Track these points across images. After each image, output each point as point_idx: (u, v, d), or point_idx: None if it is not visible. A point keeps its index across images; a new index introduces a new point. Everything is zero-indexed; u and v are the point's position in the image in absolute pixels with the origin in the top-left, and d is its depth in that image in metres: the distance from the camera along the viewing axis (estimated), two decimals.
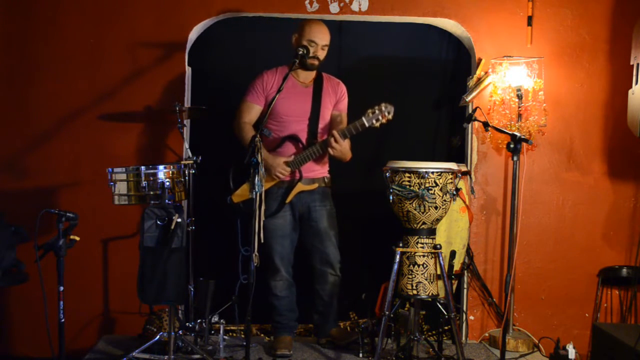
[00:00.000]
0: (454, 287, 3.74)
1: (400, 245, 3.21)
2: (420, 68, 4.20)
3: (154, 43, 3.95)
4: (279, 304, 3.64)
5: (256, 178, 2.96)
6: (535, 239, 4.05)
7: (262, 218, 3.14)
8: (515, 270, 3.80)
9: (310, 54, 3.46)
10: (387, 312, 3.18)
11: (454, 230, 3.55)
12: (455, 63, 4.21)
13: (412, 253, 3.20)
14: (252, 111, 3.59)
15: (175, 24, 3.95)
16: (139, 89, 3.94)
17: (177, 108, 3.52)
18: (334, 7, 3.99)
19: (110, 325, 3.98)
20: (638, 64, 3.66)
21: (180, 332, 3.35)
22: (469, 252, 3.88)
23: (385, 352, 3.41)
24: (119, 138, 3.95)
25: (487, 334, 4.01)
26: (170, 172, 3.32)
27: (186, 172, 3.41)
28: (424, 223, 3.18)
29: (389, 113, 3.32)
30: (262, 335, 3.95)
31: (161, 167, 3.31)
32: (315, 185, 3.57)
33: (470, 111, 3.84)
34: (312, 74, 3.61)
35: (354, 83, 3.84)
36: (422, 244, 3.19)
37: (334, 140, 3.37)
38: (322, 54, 3.51)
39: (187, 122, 3.89)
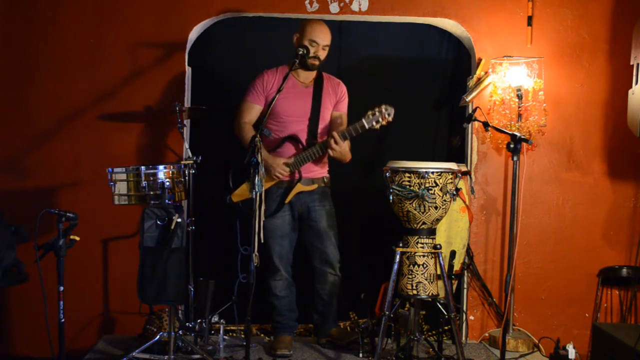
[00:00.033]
0: (454, 287, 3.74)
1: (400, 245, 3.21)
2: (420, 68, 4.19)
3: (154, 43, 3.94)
4: (278, 303, 3.64)
5: (256, 178, 2.96)
6: (535, 239, 4.05)
7: (262, 218, 3.14)
8: (515, 270, 3.80)
9: (311, 54, 3.45)
10: (387, 312, 3.18)
11: (454, 230, 3.55)
12: (455, 63, 4.20)
13: (412, 253, 3.20)
14: (252, 111, 3.59)
15: (175, 24, 3.95)
16: (139, 89, 3.94)
17: (177, 108, 3.52)
18: (334, 7, 3.99)
19: (110, 325, 3.98)
20: (638, 64, 3.66)
21: (180, 332, 3.35)
22: (469, 252, 3.88)
23: (385, 352, 3.41)
24: (119, 138, 3.95)
25: (487, 334, 4.01)
26: (170, 172, 3.32)
27: (186, 172, 3.41)
28: (424, 223, 3.18)
29: (389, 115, 3.31)
30: (262, 335, 3.94)
31: (161, 167, 3.31)
32: (315, 186, 3.57)
33: (470, 111, 3.84)
34: (313, 74, 3.61)
35: (354, 83, 3.84)
36: (422, 244, 3.19)
37: (333, 142, 3.37)
38: (323, 54, 3.51)
39: (187, 122, 3.89)
